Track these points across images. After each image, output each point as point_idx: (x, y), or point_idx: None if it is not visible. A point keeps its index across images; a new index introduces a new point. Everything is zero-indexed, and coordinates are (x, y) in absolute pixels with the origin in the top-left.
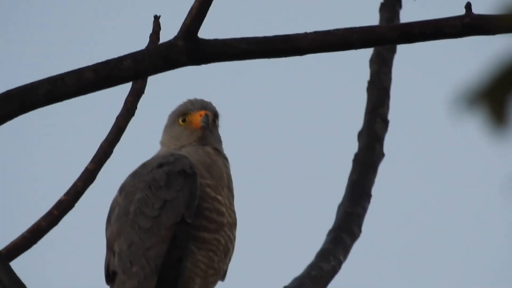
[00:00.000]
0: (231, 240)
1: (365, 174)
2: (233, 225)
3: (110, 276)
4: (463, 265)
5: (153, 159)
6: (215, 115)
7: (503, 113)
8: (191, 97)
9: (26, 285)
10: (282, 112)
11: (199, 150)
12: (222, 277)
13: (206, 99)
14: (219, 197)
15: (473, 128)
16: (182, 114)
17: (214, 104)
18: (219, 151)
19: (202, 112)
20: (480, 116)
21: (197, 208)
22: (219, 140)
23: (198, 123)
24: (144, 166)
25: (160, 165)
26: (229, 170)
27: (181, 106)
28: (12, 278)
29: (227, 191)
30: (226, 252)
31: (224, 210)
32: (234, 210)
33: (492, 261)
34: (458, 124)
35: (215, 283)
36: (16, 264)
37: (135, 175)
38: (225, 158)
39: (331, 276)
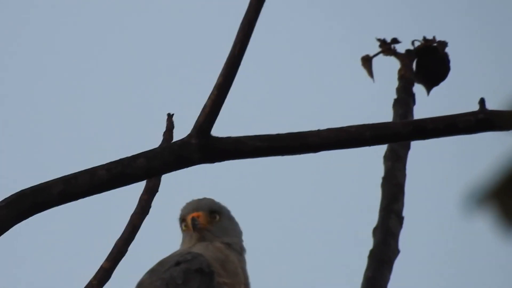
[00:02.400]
0: None
1: (380, 270)
2: None
3: None
4: None
5: (170, 256)
6: (212, 211)
7: None
8: (202, 195)
9: None
10: (297, 209)
11: (210, 246)
12: None
13: (203, 197)
14: None
15: (484, 226)
16: (181, 220)
17: (212, 199)
18: (229, 245)
19: (193, 215)
20: (491, 215)
21: None
22: (226, 233)
23: (190, 227)
24: (161, 263)
25: (178, 263)
26: (244, 265)
27: (180, 211)
28: None
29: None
30: None
31: None
32: None
33: None
34: (469, 222)
35: None
36: None
37: (152, 272)
38: (238, 252)
39: None
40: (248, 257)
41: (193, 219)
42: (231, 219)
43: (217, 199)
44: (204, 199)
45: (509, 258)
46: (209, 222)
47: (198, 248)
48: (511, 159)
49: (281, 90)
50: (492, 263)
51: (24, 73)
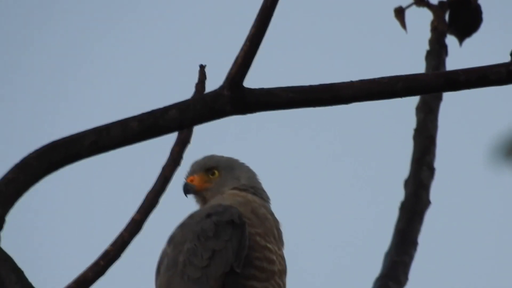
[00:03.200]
0: None
1: (412, 222)
2: (283, 272)
3: None
4: None
5: (201, 210)
6: (208, 169)
7: None
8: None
9: None
10: (329, 161)
11: (226, 196)
12: None
13: (199, 157)
14: (269, 245)
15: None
16: None
17: (209, 156)
18: (245, 190)
19: (186, 181)
20: None
21: (247, 257)
22: (232, 183)
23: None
24: (192, 216)
25: (209, 215)
26: (270, 209)
27: None
28: None
29: (276, 237)
30: None
31: (274, 258)
32: (283, 256)
33: None
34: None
35: None
36: None
37: (183, 226)
38: (260, 196)
39: None
40: (277, 207)
41: (184, 185)
42: (234, 168)
43: (218, 154)
44: (199, 159)
45: None
46: (207, 181)
47: (229, 201)
48: None
49: (313, 41)
50: None
51: (59, 21)
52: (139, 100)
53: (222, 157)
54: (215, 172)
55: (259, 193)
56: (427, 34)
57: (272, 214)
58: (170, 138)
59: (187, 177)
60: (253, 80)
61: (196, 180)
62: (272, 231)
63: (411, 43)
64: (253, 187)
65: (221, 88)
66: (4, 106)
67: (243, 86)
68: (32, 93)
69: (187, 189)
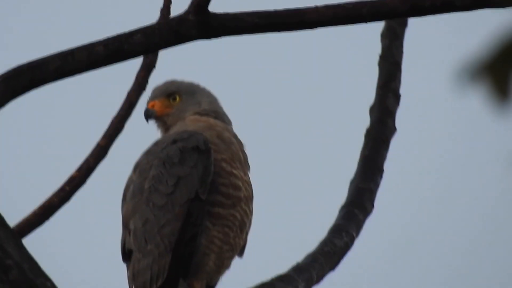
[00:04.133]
0: (247, 214)
1: (377, 149)
2: (249, 199)
3: (126, 254)
4: (472, 238)
5: (166, 136)
6: (169, 94)
7: (506, 87)
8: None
9: (38, 262)
10: (293, 87)
11: (188, 121)
12: (240, 253)
13: (160, 82)
14: (235, 171)
15: (476, 101)
16: None
17: (170, 81)
18: (206, 114)
19: (147, 107)
20: (482, 89)
21: (212, 183)
22: (193, 107)
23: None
24: (157, 143)
25: (174, 142)
26: (234, 133)
27: None
28: (24, 254)
29: (242, 161)
30: (242, 227)
31: (240, 184)
32: (250, 182)
33: (496, 231)
34: (461, 98)
35: (231, 258)
36: (28, 241)
37: (148, 152)
38: (222, 120)
39: (344, 252)
40: (240, 132)
41: (145, 111)
42: (195, 93)
43: (179, 79)
44: (160, 85)
45: (502, 133)
46: (168, 106)
47: (191, 126)
48: (505, 35)
49: None
50: (485, 139)
51: None
52: (104, 25)
53: (183, 82)
54: (176, 97)
55: (220, 117)
56: None
57: (236, 136)
58: (136, 63)
59: (148, 102)
60: (218, 5)
61: (157, 105)
62: (238, 155)
63: None
64: (214, 112)
65: (187, 12)
66: None
67: (208, 10)
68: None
69: (148, 115)
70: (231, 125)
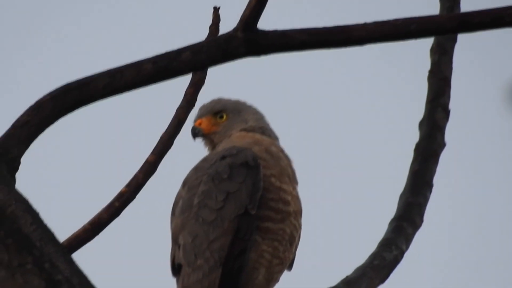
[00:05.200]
0: (296, 229)
1: (427, 163)
2: (298, 213)
3: (175, 268)
4: None
5: (214, 153)
6: (216, 112)
7: None
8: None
9: (88, 277)
10: (343, 103)
11: (245, 138)
12: (289, 267)
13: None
14: (284, 186)
15: None
16: None
17: (217, 99)
18: (252, 130)
19: (194, 125)
20: None
21: (262, 199)
22: (239, 125)
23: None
24: (205, 160)
25: (223, 158)
26: (281, 148)
27: None
28: (74, 269)
29: (290, 176)
30: (291, 241)
31: (289, 198)
32: (298, 197)
33: None
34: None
35: (280, 272)
36: (78, 256)
37: (197, 168)
38: (268, 135)
39: (393, 266)
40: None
41: (192, 129)
42: (242, 111)
43: (226, 97)
44: (206, 103)
45: None
46: (215, 124)
47: (238, 142)
48: None
49: None
50: None
51: None
52: (153, 43)
53: (230, 100)
54: (223, 115)
55: (267, 133)
56: None
57: (283, 151)
58: (185, 80)
59: (195, 120)
60: (266, 23)
61: (204, 123)
62: (286, 170)
63: None
64: (261, 128)
65: (235, 30)
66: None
67: (256, 28)
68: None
69: (195, 133)
70: (278, 140)
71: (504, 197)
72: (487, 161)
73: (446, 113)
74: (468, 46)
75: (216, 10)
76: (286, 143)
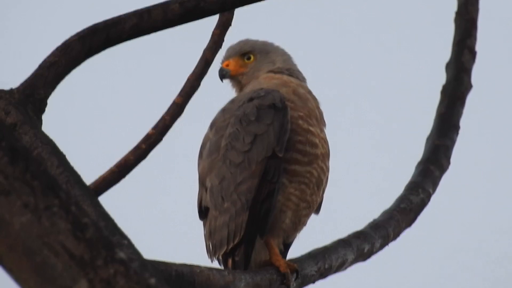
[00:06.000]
0: (324, 171)
1: (453, 106)
2: (326, 156)
3: (202, 211)
4: None
5: (242, 94)
6: (243, 54)
7: None
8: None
9: (114, 220)
10: (369, 45)
11: (272, 80)
12: (317, 210)
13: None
14: (311, 128)
15: None
16: None
17: (244, 40)
18: (280, 72)
19: (221, 66)
20: None
21: (289, 141)
22: (267, 66)
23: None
24: (233, 101)
25: (251, 99)
26: (309, 90)
27: None
28: (100, 212)
29: (318, 117)
30: (319, 184)
31: (317, 141)
32: (326, 139)
33: None
34: None
35: (308, 216)
36: (104, 199)
37: (225, 110)
38: (296, 77)
39: (421, 209)
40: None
41: (220, 70)
42: (269, 52)
43: (253, 38)
44: (234, 44)
45: None
46: (242, 65)
47: (265, 84)
48: None
49: None
50: None
51: None
52: None
53: (257, 41)
54: (251, 56)
55: (294, 74)
56: None
57: (311, 93)
58: (211, 21)
59: (223, 61)
60: None
61: (232, 64)
62: (314, 111)
63: None
64: (288, 69)
65: None
66: None
67: None
68: None
69: (223, 74)
70: (306, 82)
71: None
72: None
73: (473, 55)
74: None
75: None
76: (313, 85)
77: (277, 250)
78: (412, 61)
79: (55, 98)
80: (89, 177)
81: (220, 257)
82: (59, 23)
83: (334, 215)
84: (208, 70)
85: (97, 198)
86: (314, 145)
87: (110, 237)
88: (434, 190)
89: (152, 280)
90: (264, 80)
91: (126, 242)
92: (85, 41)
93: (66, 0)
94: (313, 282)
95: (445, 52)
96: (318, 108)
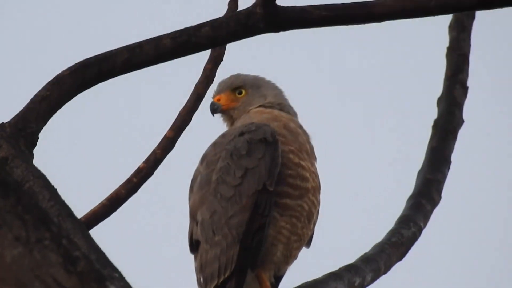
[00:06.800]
0: (315, 205)
1: (445, 140)
2: (316, 189)
3: (193, 245)
4: None
5: (233, 128)
6: (235, 88)
7: None
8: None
9: (105, 253)
10: (361, 79)
11: (251, 114)
12: (308, 244)
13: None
14: (302, 162)
15: None
16: None
17: (236, 74)
18: (270, 107)
19: (212, 100)
20: None
21: (280, 175)
22: (258, 101)
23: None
24: (224, 135)
25: (242, 134)
26: (299, 124)
27: None
28: (91, 245)
29: (309, 151)
30: (310, 217)
31: (308, 175)
32: (317, 173)
33: None
34: None
35: (299, 249)
36: (96, 232)
37: (216, 144)
38: (287, 112)
39: (412, 242)
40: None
41: (211, 105)
42: (261, 86)
43: (245, 72)
44: (225, 78)
45: None
46: (234, 99)
47: (256, 118)
48: None
49: None
50: None
51: None
52: (172, 18)
53: (248, 75)
54: (242, 90)
55: (285, 109)
56: None
57: (301, 127)
58: (203, 56)
59: (214, 96)
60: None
61: (223, 99)
62: (305, 146)
63: None
64: (279, 104)
65: (254, 5)
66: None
67: (276, 4)
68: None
69: (214, 108)
70: (297, 116)
71: None
72: (506, 138)
73: (465, 89)
74: (486, 23)
75: None
76: (304, 120)
77: (268, 283)
78: (404, 96)
79: (46, 132)
80: (80, 211)
81: None
82: (50, 57)
83: (325, 248)
84: (199, 105)
85: (88, 232)
86: (305, 179)
87: (101, 270)
88: (425, 224)
89: None
90: (254, 115)
91: (117, 275)
92: (77, 76)
93: (57, 35)
94: None
95: (437, 87)
96: (309, 142)
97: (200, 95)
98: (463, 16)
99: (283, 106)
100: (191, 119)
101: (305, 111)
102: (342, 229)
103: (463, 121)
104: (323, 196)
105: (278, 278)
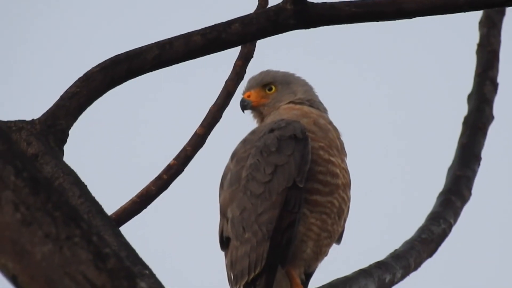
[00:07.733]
0: (345, 201)
1: (475, 136)
2: (347, 186)
3: (224, 242)
4: None
5: (263, 125)
6: (265, 84)
7: None
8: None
9: (136, 250)
10: (392, 76)
11: (282, 111)
12: (338, 240)
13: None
14: (332, 159)
15: None
16: None
17: (266, 71)
18: (300, 103)
19: (243, 97)
20: None
21: (310, 171)
22: (288, 97)
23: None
24: (254, 132)
25: (271, 130)
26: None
27: None
28: (122, 242)
29: (339, 148)
30: (340, 214)
31: (338, 171)
32: (347, 169)
33: None
34: None
35: (329, 245)
36: (126, 229)
37: (246, 141)
38: (317, 108)
39: (442, 239)
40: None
41: (241, 101)
42: (291, 83)
43: (275, 69)
44: (255, 75)
45: None
46: (264, 96)
47: (286, 115)
48: None
49: None
50: None
51: None
52: (202, 14)
53: (278, 72)
54: (272, 87)
55: (315, 105)
56: None
57: (331, 124)
58: (233, 52)
59: (244, 92)
60: None
61: (253, 95)
62: (335, 142)
63: None
64: (309, 100)
65: (285, 2)
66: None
67: (306, 0)
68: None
69: (244, 105)
70: (327, 113)
71: None
72: None
73: (495, 86)
74: None
75: None
76: (335, 116)
77: (298, 280)
78: (434, 92)
79: (77, 128)
80: (110, 207)
81: (242, 287)
82: (81, 54)
83: (355, 245)
84: (230, 101)
85: (118, 228)
86: (335, 175)
87: (132, 267)
88: (455, 220)
89: None
90: (284, 111)
91: (147, 272)
92: (107, 72)
93: (88, 31)
94: None
95: (467, 84)
96: (339, 138)
97: (230, 91)
98: (493, 13)
99: (313, 102)
100: (221, 116)
101: (335, 107)
102: (372, 225)
103: (493, 118)
104: (354, 193)
105: (308, 275)
